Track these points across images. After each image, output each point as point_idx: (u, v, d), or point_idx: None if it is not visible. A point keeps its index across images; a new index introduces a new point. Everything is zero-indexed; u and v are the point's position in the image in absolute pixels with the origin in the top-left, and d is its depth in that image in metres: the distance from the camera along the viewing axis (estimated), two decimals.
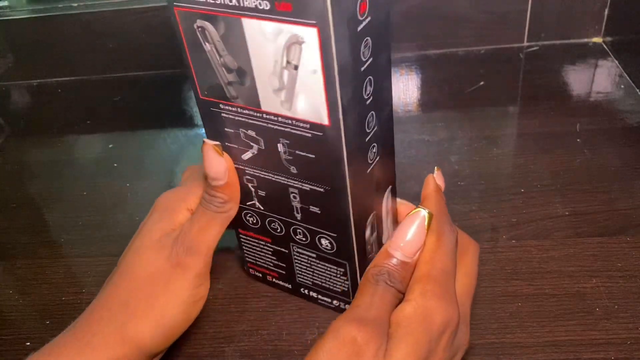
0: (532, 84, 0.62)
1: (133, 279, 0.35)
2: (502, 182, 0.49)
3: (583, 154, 0.51)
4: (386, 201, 0.37)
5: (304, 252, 0.38)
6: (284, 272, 0.40)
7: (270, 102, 0.30)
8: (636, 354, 0.36)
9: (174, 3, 0.29)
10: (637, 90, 0.59)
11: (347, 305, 0.39)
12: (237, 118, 0.32)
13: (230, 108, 0.32)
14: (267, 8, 0.26)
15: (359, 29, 0.27)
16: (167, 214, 0.37)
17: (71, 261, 0.47)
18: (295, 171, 0.33)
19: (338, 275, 0.37)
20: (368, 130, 0.31)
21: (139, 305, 0.34)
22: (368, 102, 0.30)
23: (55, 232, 0.51)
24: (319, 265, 0.38)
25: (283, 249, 0.39)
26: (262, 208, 0.37)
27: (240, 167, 0.35)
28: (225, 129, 0.33)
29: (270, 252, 0.40)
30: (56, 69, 0.72)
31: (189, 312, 0.35)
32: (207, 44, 0.30)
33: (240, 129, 0.33)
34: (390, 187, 0.38)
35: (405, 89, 0.63)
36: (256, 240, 0.39)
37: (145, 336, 0.34)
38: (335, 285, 0.38)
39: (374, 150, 0.33)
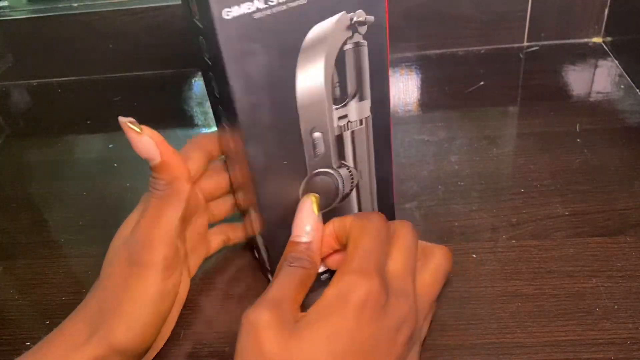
0: (532, 84, 0.62)
1: (102, 285, 0.35)
2: (502, 182, 0.49)
3: (583, 154, 0.51)
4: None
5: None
6: None
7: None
8: (636, 354, 0.36)
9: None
10: (637, 90, 0.59)
11: None
12: None
13: None
14: None
15: None
16: (141, 205, 0.36)
17: (71, 261, 0.47)
18: None
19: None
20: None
21: (109, 308, 0.34)
22: None
23: (55, 232, 0.51)
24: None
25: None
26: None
27: None
28: None
29: None
30: (56, 69, 0.72)
31: (158, 308, 0.35)
32: None
33: None
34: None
35: (405, 89, 0.63)
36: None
37: (119, 339, 0.33)
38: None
39: None
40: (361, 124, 0.34)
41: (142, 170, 0.57)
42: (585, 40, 0.67)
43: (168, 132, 0.61)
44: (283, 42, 0.29)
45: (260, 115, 0.31)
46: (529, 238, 0.44)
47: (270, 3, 0.28)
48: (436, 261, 0.34)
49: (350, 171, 0.36)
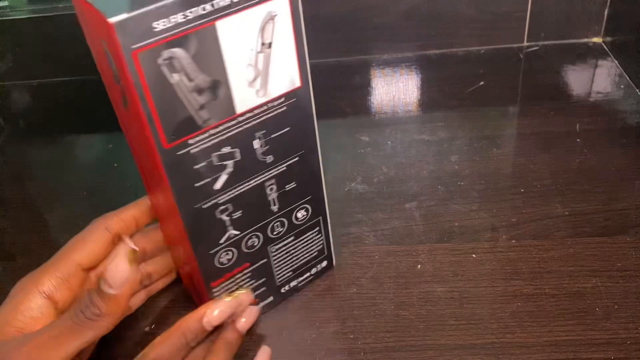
0: (532, 84, 0.62)
1: None
2: (502, 182, 0.49)
3: (583, 154, 0.51)
4: None
5: (282, 242, 0.38)
6: (265, 288, 0.40)
7: (245, 100, 0.31)
8: (636, 353, 0.36)
9: (132, 47, 0.26)
10: (637, 90, 0.59)
11: (324, 263, 0.43)
12: (208, 144, 0.31)
13: (200, 137, 0.31)
14: None
15: None
16: (11, 305, 0.33)
17: None
18: (271, 159, 0.34)
19: (314, 237, 0.40)
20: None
21: None
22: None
23: (55, 232, 0.51)
24: (297, 244, 0.39)
25: (262, 261, 0.38)
26: (237, 233, 0.36)
27: (211, 204, 0.33)
28: (195, 167, 0.32)
29: (248, 278, 0.39)
30: (56, 69, 0.72)
31: None
32: (174, 75, 0.28)
33: (212, 155, 0.32)
34: None
35: (405, 89, 0.63)
36: (233, 279, 0.38)
37: None
38: (312, 250, 0.41)
39: None
40: None
41: None
42: (585, 40, 0.67)
43: None
44: None
45: None
46: (529, 238, 0.44)
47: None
48: None
49: None
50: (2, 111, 0.69)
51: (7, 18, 0.69)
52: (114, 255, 0.30)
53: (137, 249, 0.30)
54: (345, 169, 0.52)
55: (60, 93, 0.71)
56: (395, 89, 0.63)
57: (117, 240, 0.37)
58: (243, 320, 0.36)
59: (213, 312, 0.34)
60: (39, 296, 0.33)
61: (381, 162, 0.53)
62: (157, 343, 0.33)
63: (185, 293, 0.43)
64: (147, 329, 0.40)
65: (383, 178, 0.51)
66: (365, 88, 0.64)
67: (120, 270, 0.29)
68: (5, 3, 0.71)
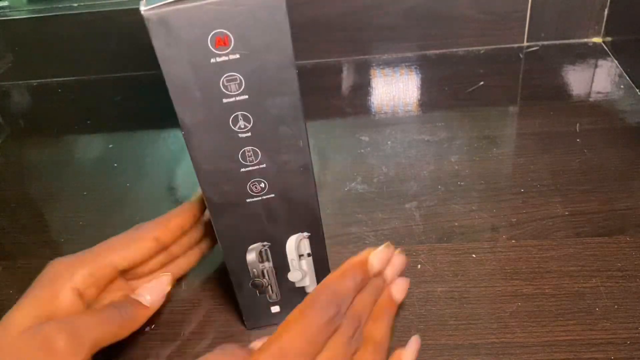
0: (532, 84, 0.62)
1: None
2: (502, 182, 0.49)
3: (583, 154, 0.51)
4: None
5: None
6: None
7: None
8: (636, 353, 0.36)
9: None
10: (637, 90, 0.59)
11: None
12: None
13: None
14: None
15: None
16: (45, 293, 0.33)
17: None
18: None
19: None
20: None
21: None
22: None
23: (55, 232, 0.51)
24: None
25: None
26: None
27: None
28: None
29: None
30: (56, 69, 0.72)
31: None
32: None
33: None
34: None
35: (405, 89, 0.63)
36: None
37: None
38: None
39: None
40: None
41: (142, 170, 0.57)
42: (585, 40, 0.67)
43: (168, 132, 0.61)
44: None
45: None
46: (529, 238, 0.44)
47: None
48: None
49: None
50: (2, 111, 0.69)
51: (7, 18, 0.69)
52: (162, 278, 0.37)
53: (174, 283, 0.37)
54: (345, 169, 0.52)
55: (60, 93, 0.71)
56: (395, 89, 0.63)
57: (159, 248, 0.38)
58: (400, 283, 0.35)
59: (373, 260, 0.33)
60: (71, 292, 0.34)
61: (381, 162, 0.53)
62: (333, 280, 0.31)
63: (183, 295, 0.43)
64: (147, 329, 0.40)
65: (383, 178, 0.51)
66: (365, 88, 0.64)
67: (159, 291, 0.36)
68: (5, 3, 0.71)
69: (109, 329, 0.34)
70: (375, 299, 0.34)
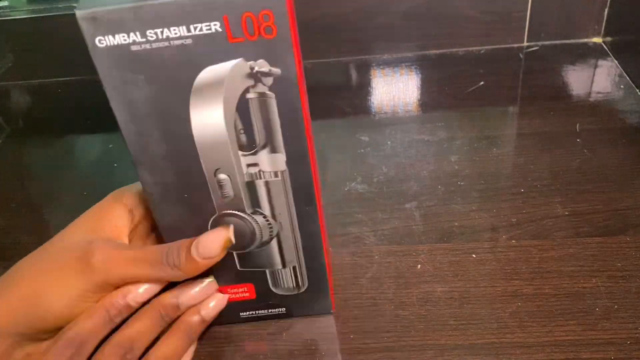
0: (532, 84, 0.62)
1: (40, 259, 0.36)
2: (502, 182, 0.49)
3: (583, 154, 0.51)
4: None
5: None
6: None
7: None
8: (636, 353, 0.36)
9: None
10: (637, 90, 0.59)
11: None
12: None
13: None
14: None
15: None
16: (97, 209, 0.37)
17: None
18: None
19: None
20: None
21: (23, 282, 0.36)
22: None
23: (55, 232, 0.50)
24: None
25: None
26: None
27: None
28: None
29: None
30: (56, 69, 0.72)
31: (72, 308, 0.34)
32: None
33: None
34: None
35: (405, 89, 0.63)
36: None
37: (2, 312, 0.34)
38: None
39: None
40: (276, 176, 0.34)
41: None
42: (585, 40, 0.67)
43: None
44: (169, 76, 0.29)
45: (149, 144, 0.31)
46: (529, 238, 0.44)
47: (149, 37, 0.28)
48: None
49: (267, 219, 0.35)
50: (2, 111, 0.69)
51: (7, 18, 0.69)
52: (217, 231, 0.34)
53: (233, 241, 0.34)
54: (345, 169, 0.52)
55: (60, 93, 0.71)
56: (395, 89, 0.63)
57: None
58: (211, 304, 0.36)
59: (138, 289, 0.34)
60: (122, 207, 0.36)
61: (381, 162, 0.53)
62: (80, 319, 0.34)
63: None
64: None
65: (383, 178, 0.51)
66: (365, 88, 0.64)
67: (213, 246, 0.33)
68: (5, 3, 0.71)
69: (146, 270, 0.34)
70: (158, 323, 0.35)
